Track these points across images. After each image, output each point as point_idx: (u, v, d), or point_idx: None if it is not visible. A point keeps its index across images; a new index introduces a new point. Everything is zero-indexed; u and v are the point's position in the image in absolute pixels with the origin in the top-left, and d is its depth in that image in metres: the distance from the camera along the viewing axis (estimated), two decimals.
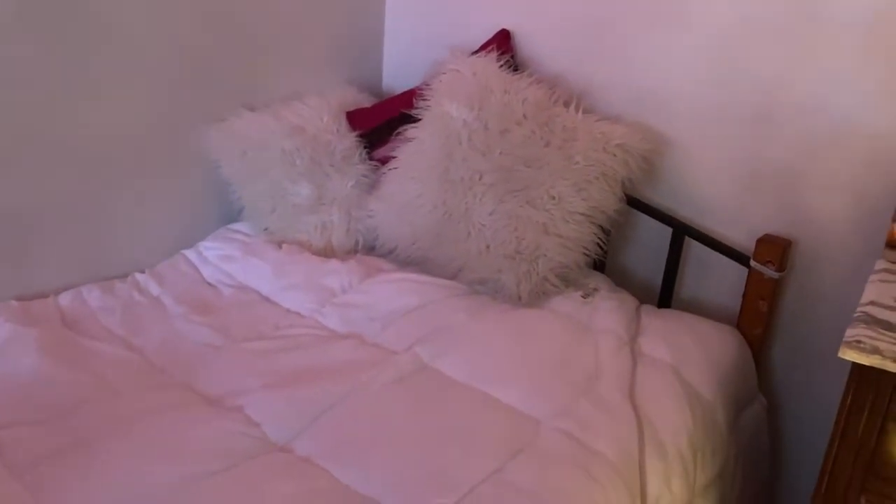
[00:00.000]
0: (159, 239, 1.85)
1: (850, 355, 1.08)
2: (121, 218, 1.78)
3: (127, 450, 1.22)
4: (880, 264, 1.35)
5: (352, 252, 1.90)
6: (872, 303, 1.20)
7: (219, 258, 1.83)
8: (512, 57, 1.91)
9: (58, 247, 1.68)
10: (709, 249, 1.77)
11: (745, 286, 1.70)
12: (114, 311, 1.63)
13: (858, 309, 1.19)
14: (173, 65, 1.77)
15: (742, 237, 1.74)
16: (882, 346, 1.08)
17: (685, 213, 1.81)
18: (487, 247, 1.73)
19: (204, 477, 1.17)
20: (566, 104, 1.80)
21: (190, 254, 1.86)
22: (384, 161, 1.92)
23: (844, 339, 1.10)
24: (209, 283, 1.77)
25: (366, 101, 2.06)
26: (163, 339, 1.55)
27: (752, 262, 1.67)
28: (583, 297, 1.70)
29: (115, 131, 1.71)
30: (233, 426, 1.29)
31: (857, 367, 1.10)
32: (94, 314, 1.62)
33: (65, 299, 1.65)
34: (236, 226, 1.95)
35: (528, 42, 1.95)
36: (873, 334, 1.11)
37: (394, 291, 1.71)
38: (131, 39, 1.68)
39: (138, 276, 1.77)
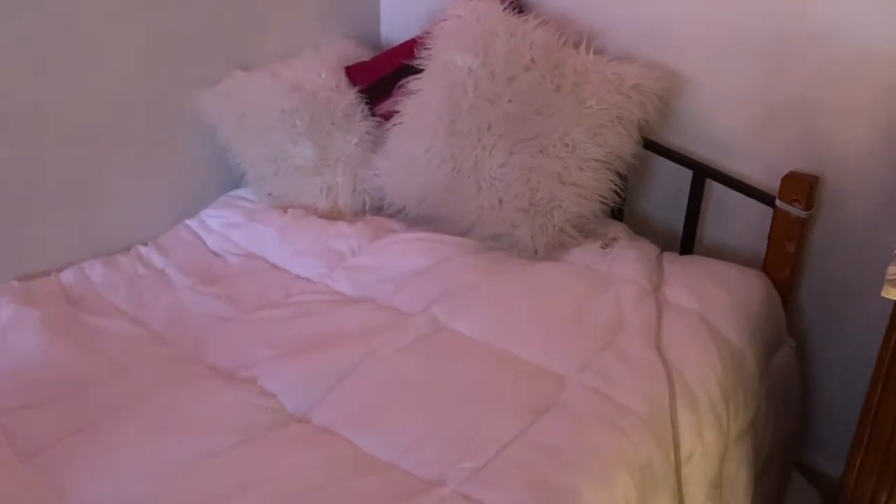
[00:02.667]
0: (160, 209, 1.80)
1: (894, 294, 1.01)
2: (119, 189, 1.72)
3: (139, 428, 1.19)
4: None
5: (359, 213, 1.84)
6: None
7: (223, 226, 1.77)
8: None
9: (56, 223, 1.63)
10: (731, 191, 1.70)
11: (771, 227, 1.63)
12: (117, 286, 1.58)
13: None
14: (161, 25, 1.69)
15: (764, 175, 1.67)
16: None
17: (704, 153, 1.73)
18: (500, 200, 1.66)
19: (220, 452, 1.13)
20: (576, 45, 1.71)
21: (193, 223, 1.81)
22: (388, 116, 1.85)
23: (887, 278, 1.03)
24: (214, 253, 1.72)
25: (365, 55, 1.97)
26: (170, 312, 1.50)
27: (778, 202, 1.60)
28: (602, 247, 1.64)
29: (105, 99, 1.65)
30: (247, 398, 1.25)
31: None
32: (98, 290, 1.58)
33: (66, 276, 1.60)
34: (239, 192, 1.89)
35: None
36: None
37: (405, 252, 1.66)
38: (114, 1, 1.60)
39: (141, 248, 1.72)
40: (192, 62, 1.77)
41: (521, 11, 1.78)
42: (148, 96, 1.72)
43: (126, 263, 1.66)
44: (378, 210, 1.86)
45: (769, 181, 1.64)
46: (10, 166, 1.53)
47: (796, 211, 1.58)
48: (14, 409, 1.23)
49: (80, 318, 1.47)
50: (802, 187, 1.57)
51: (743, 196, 1.69)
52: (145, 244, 1.74)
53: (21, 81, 1.51)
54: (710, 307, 1.48)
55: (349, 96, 1.85)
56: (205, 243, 1.75)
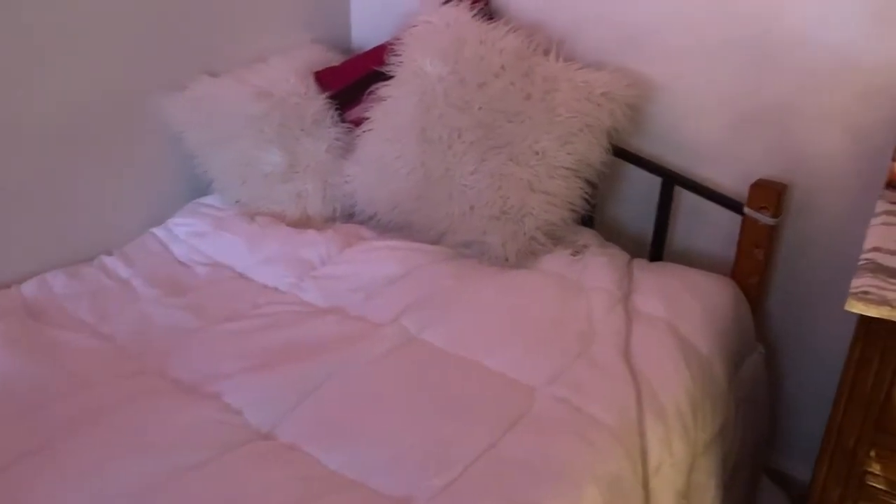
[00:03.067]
0: (126, 218, 1.76)
1: (857, 308, 1.02)
2: (82, 198, 1.68)
3: (100, 446, 1.16)
4: (881, 206, 1.29)
5: (329, 221, 1.82)
6: (876, 249, 1.14)
7: (189, 235, 1.74)
8: (486, 4, 1.80)
9: (17, 232, 1.59)
10: (701, 198, 1.70)
11: (740, 234, 1.64)
12: (81, 298, 1.55)
13: (862, 256, 1.12)
14: (126, 29, 1.66)
15: (735, 183, 1.67)
16: (890, 295, 1.02)
17: (674, 160, 1.74)
18: (471, 208, 1.65)
19: (183, 470, 1.11)
20: (546, 52, 1.70)
21: (159, 232, 1.78)
22: (358, 123, 1.83)
23: (851, 291, 1.04)
24: (181, 262, 1.69)
25: (334, 60, 1.95)
26: (134, 324, 1.47)
27: (747, 209, 1.60)
28: (572, 254, 1.64)
29: (68, 104, 1.61)
30: (211, 414, 1.23)
31: (864, 320, 1.05)
32: (61, 302, 1.54)
33: (28, 288, 1.56)
34: (206, 199, 1.85)
35: None
36: (880, 283, 1.05)
37: (376, 260, 1.64)
38: (78, 4, 1.57)
39: (105, 258, 1.69)
40: (158, 67, 1.74)
41: (490, 18, 1.77)
42: (112, 101, 1.68)
43: (90, 274, 1.63)
44: (349, 217, 1.84)
45: (740, 188, 1.64)
46: None
47: (764, 218, 1.59)
48: None
49: (41, 331, 1.44)
50: (770, 195, 1.57)
51: (713, 203, 1.69)
52: (110, 254, 1.70)
53: None
54: (679, 315, 1.48)
55: (318, 102, 1.83)
56: (171, 252, 1.72)
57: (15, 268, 1.58)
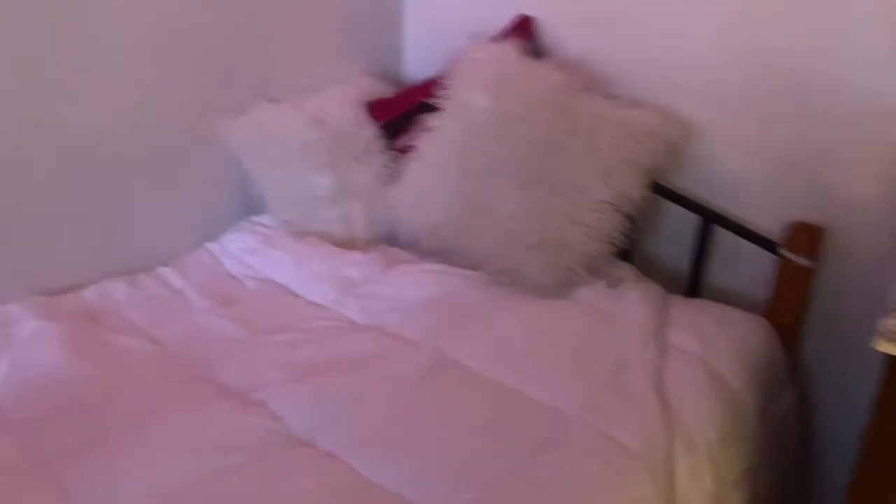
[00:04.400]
0: (182, 232, 1.86)
1: (885, 347, 1.04)
2: (143, 213, 1.78)
3: (148, 445, 1.22)
4: None
5: (373, 243, 1.89)
6: None
7: (241, 250, 1.83)
8: (533, 43, 1.87)
9: (81, 242, 1.69)
10: (737, 237, 1.73)
11: (776, 275, 1.65)
12: (137, 305, 1.64)
13: (893, 298, 1.14)
14: (188, 51, 1.77)
15: (772, 224, 1.69)
16: None
17: (712, 199, 1.77)
18: (510, 237, 1.70)
19: (226, 471, 1.17)
20: (589, 90, 1.76)
21: (213, 246, 1.87)
22: (405, 151, 1.90)
23: (879, 330, 1.06)
24: (232, 276, 1.77)
25: (386, 91, 2.04)
26: (185, 332, 1.55)
27: (782, 250, 1.62)
28: (608, 287, 1.67)
29: (131, 125, 1.71)
30: (255, 420, 1.29)
31: (892, 359, 1.07)
32: (119, 308, 1.63)
33: (90, 294, 1.66)
34: (258, 218, 1.94)
35: (549, 27, 1.91)
36: None
37: (415, 282, 1.70)
38: (144, 27, 1.68)
39: (162, 269, 1.78)
40: (219, 91, 1.84)
41: (536, 56, 1.83)
42: (174, 123, 1.79)
43: (147, 283, 1.72)
44: (392, 241, 1.90)
45: (777, 230, 1.66)
46: (34, 189, 1.60)
47: (800, 260, 1.61)
48: (31, 420, 1.28)
49: (99, 334, 1.52)
50: (807, 237, 1.59)
51: (750, 243, 1.71)
52: (166, 265, 1.79)
53: (42, 105, 1.56)
54: (712, 351, 1.50)
55: (369, 131, 1.91)
56: (223, 266, 1.80)
57: (78, 274, 1.68)
